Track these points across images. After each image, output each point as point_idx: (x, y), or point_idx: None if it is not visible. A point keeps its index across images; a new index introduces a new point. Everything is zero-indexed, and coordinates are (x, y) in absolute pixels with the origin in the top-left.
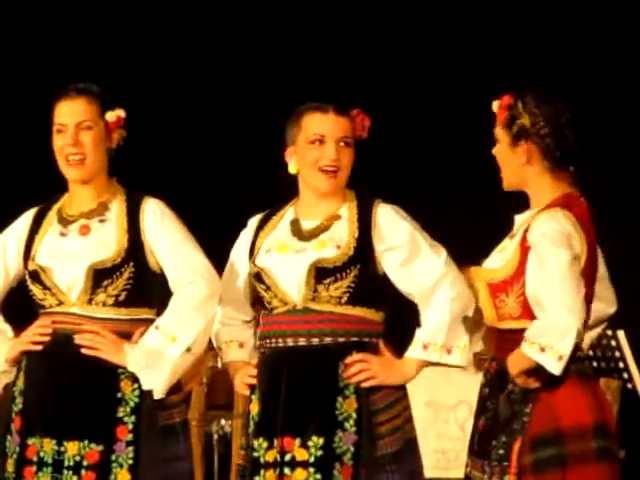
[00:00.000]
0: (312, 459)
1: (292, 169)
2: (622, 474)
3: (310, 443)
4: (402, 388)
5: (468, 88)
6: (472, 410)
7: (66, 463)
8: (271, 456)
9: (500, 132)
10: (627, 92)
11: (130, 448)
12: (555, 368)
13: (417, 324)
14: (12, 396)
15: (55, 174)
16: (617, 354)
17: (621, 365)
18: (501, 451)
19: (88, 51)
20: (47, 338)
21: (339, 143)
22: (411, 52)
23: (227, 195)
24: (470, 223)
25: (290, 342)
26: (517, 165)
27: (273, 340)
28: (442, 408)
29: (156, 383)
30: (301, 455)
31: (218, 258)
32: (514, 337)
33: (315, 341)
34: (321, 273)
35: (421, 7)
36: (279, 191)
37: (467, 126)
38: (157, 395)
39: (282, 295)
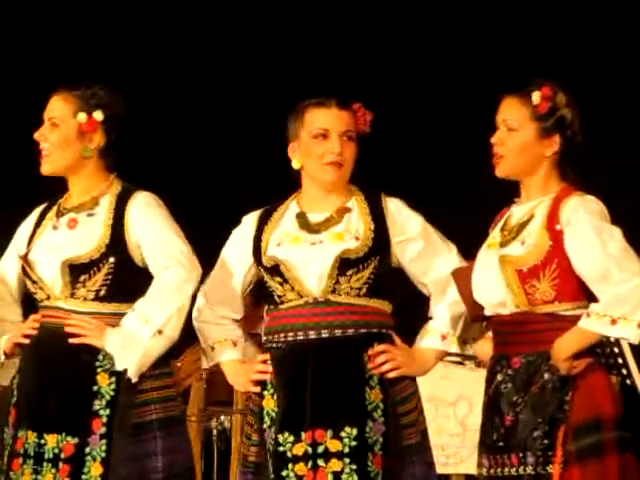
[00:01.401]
0: (346, 449)
1: (296, 164)
2: None
3: (343, 434)
4: (414, 380)
5: (469, 84)
6: (472, 406)
7: (46, 456)
8: (300, 449)
9: (525, 122)
10: (628, 91)
11: (103, 441)
12: (635, 336)
13: (421, 316)
14: (12, 389)
15: None
16: (616, 350)
17: (620, 361)
18: (546, 441)
19: (94, 49)
20: (35, 332)
21: (342, 137)
22: (412, 48)
23: (224, 192)
24: (462, 219)
25: (312, 335)
26: (537, 156)
27: (290, 334)
28: (442, 404)
29: (128, 363)
30: (334, 446)
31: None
32: (549, 325)
33: (338, 333)
34: (345, 264)
35: (421, 4)
36: (273, 188)
37: (465, 121)
38: (131, 375)
39: (300, 287)
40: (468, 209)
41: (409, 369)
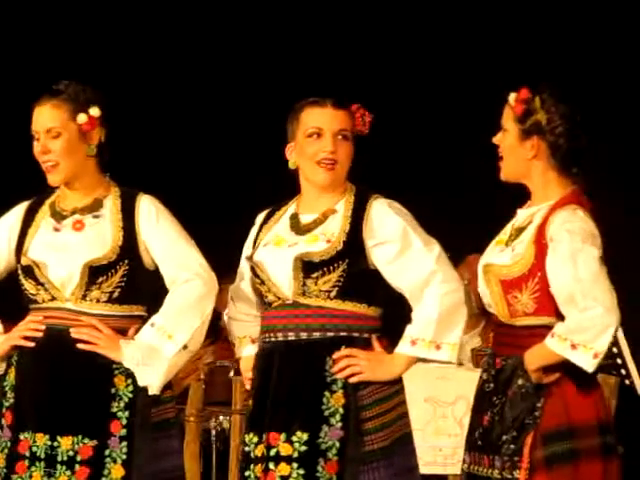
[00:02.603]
0: (296, 454)
1: (292, 165)
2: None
3: (294, 438)
4: (396, 383)
5: (468, 83)
6: (470, 406)
7: (59, 458)
8: (260, 451)
9: (510, 123)
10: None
11: (124, 443)
12: (590, 366)
13: (409, 320)
14: (2, 391)
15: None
16: (614, 350)
17: (619, 361)
18: (512, 446)
19: (88, 49)
20: (39, 334)
21: (337, 136)
22: (411, 48)
23: (232, 192)
24: (469, 215)
25: (280, 337)
26: (523, 158)
27: (266, 335)
28: (440, 404)
29: (152, 380)
30: (285, 450)
31: (226, 256)
32: (528, 333)
33: (303, 335)
34: (308, 267)
35: (418, 4)
36: (285, 188)
37: (466, 118)
38: (153, 391)
39: (275, 289)
40: (467, 201)
41: (372, 374)
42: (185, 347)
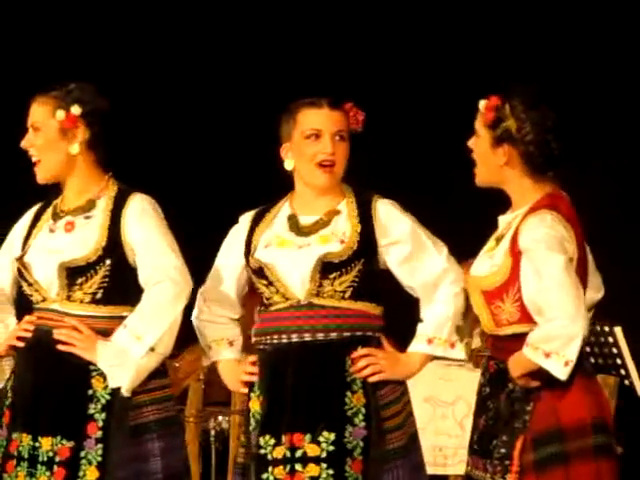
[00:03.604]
0: (324, 454)
1: (288, 165)
2: (620, 470)
3: (321, 438)
4: (403, 383)
5: (462, 82)
6: (470, 407)
7: (40, 458)
8: (280, 452)
9: (482, 130)
10: (619, 91)
11: (99, 445)
12: (562, 374)
13: (416, 319)
14: (6, 390)
15: None
16: (614, 350)
17: (618, 362)
18: (503, 450)
19: (88, 48)
20: (30, 334)
21: (335, 137)
22: (405, 46)
23: (218, 192)
24: (461, 218)
25: (295, 338)
26: (495, 165)
27: (275, 336)
28: (440, 404)
29: (122, 381)
30: (313, 451)
31: (208, 256)
32: (514, 341)
33: (320, 336)
34: (327, 267)
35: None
36: (270, 188)
37: (459, 120)
38: (124, 393)
39: (285, 290)
40: (460, 204)
41: (392, 373)
42: (152, 349)
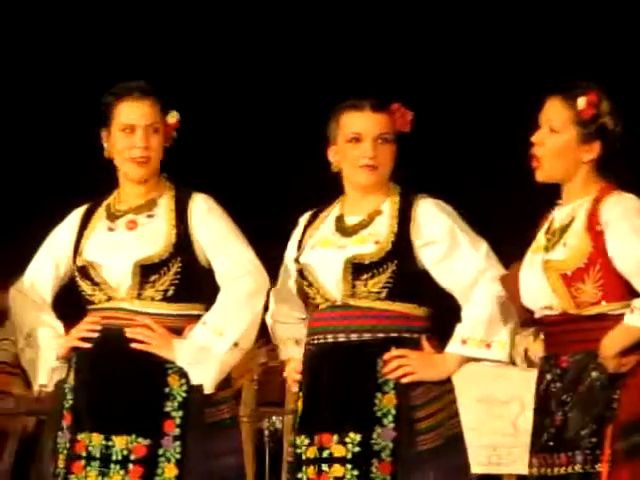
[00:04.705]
0: (349, 455)
1: (335, 168)
2: None
3: (347, 439)
4: (446, 383)
5: (509, 81)
6: (524, 406)
7: (114, 457)
8: (312, 452)
9: (566, 125)
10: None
11: (177, 442)
12: None
13: (459, 320)
14: (63, 393)
15: (105, 172)
16: None
17: None
18: (593, 439)
19: (128, 50)
20: (96, 334)
21: (377, 140)
22: (450, 48)
23: (279, 194)
24: (515, 217)
25: (330, 338)
26: (578, 161)
27: (316, 337)
28: (494, 404)
29: (204, 378)
30: (339, 451)
31: (271, 257)
32: (597, 325)
33: (354, 337)
34: (358, 269)
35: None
36: (330, 189)
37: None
38: (207, 390)
39: (323, 291)
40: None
41: (424, 374)
42: (236, 344)
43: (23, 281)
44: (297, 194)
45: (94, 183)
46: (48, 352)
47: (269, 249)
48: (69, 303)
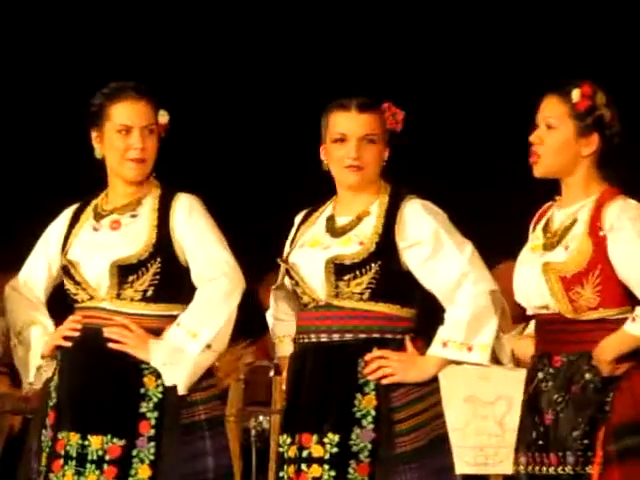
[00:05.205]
0: (327, 456)
1: (325, 166)
2: None
3: (326, 440)
4: (430, 383)
5: (505, 80)
6: (511, 406)
7: (89, 457)
8: (292, 452)
9: (563, 120)
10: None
11: (152, 444)
12: None
13: (441, 322)
14: (48, 391)
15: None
16: None
17: None
18: (585, 441)
19: (123, 51)
20: (77, 333)
21: (362, 141)
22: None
23: (276, 194)
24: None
25: (313, 338)
26: (576, 155)
27: (301, 336)
28: (480, 404)
29: (178, 379)
30: (317, 451)
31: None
32: (594, 327)
33: (336, 337)
34: (340, 270)
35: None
36: (330, 189)
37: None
38: (180, 391)
39: (309, 291)
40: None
41: (404, 376)
42: (209, 346)
43: (18, 279)
44: (297, 194)
45: (93, 183)
46: (37, 350)
47: (269, 249)
48: (67, 302)
